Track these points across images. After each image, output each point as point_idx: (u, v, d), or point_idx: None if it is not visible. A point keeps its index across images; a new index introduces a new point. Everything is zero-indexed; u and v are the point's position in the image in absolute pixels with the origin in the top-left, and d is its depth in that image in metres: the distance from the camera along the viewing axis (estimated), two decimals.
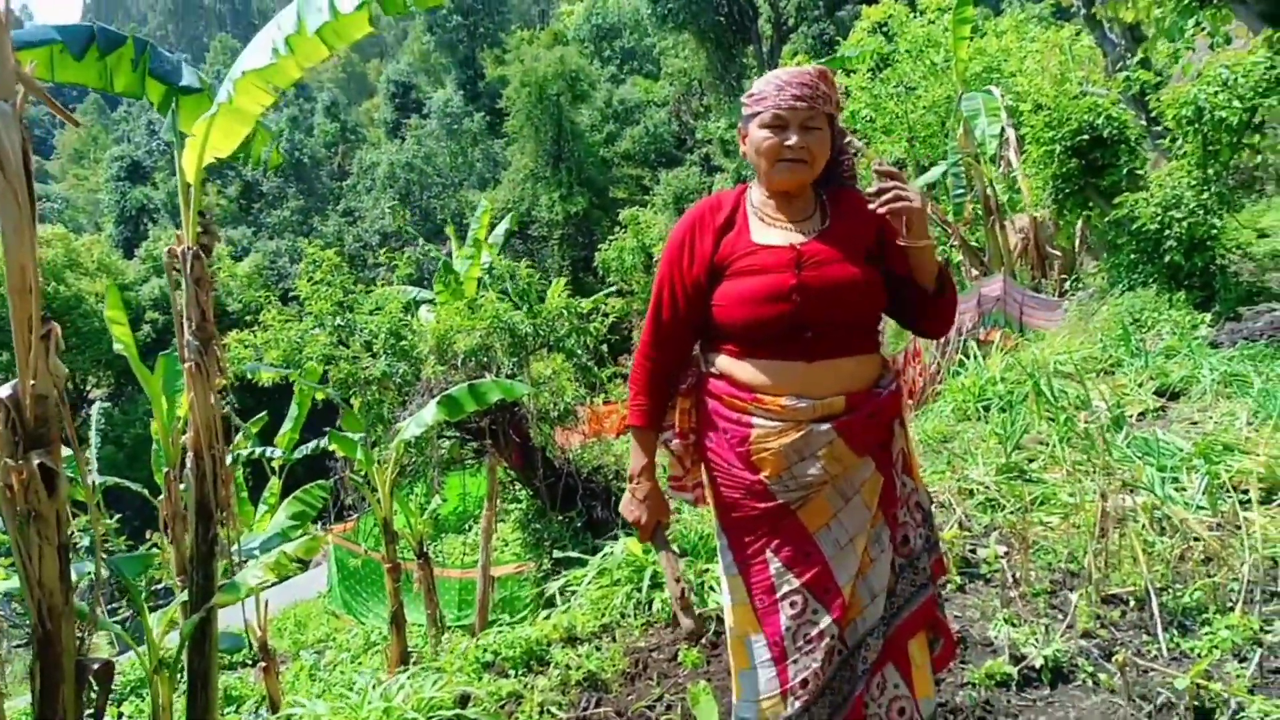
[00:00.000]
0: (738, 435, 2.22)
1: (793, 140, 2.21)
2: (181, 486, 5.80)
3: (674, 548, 2.37)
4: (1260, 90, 8.19)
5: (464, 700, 3.26)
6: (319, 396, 9.37)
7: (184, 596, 4.72)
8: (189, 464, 4.61)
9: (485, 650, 3.68)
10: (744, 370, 2.23)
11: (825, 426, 2.16)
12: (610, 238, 29.28)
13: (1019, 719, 3.19)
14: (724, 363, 2.27)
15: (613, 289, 15.41)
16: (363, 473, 8.16)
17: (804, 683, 2.18)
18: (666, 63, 42.58)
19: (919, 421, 7.35)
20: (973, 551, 4.50)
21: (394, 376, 9.44)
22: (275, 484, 10.23)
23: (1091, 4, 12.96)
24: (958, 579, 4.34)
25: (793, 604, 2.19)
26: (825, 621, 2.19)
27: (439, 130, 44.30)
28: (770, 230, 2.26)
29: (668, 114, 39.94)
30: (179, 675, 4.69)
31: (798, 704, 2.18)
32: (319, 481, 8.30)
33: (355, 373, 9.44)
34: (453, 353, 9.03)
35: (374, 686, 3.22)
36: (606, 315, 10.81)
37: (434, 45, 55.70)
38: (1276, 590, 3.70)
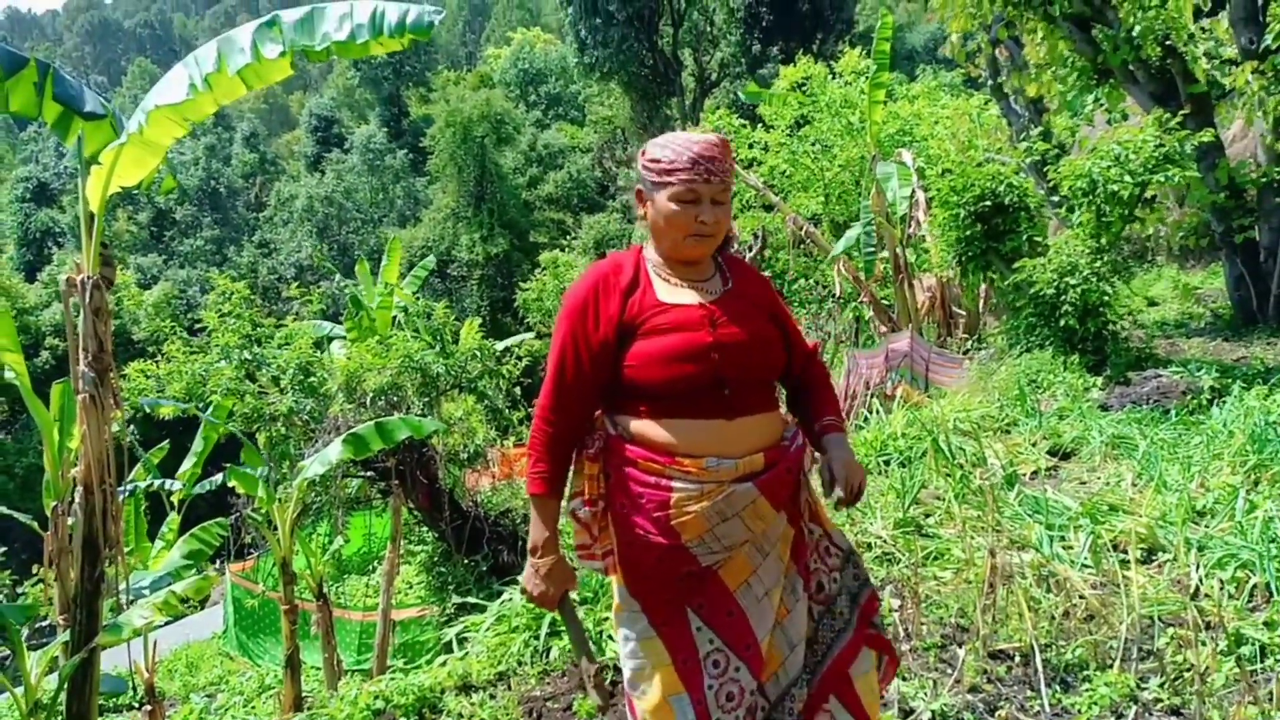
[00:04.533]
0: (655, 500, 2.15)
1: (706, 217, 2.21)
2: (70, 521, 5.60)
3: (579, 615, 2.30)
4: (1149, 167, 8.62)
5: None
6: (222, 431, 9.14)
7: (66, 636, 4.55)
8: (78, 498, 4.47)
9: (376, 697, 3.61)
10: (659, 432, 2.17)
11: (747, 485, 2.15)
12: (530, 279, 29.29)
13: None
14: (637, 425, 2.20)
15: (531, 333, 15.39)
16: (263, 510, 7.96)
17: None
18: (591, 110, 43.05)
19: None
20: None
21: (301, 413, 9.27)
22: (174, 519, 9.91)
23: (998, 76, 13.51)
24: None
25: (715, 663, 2.18)
26: (746, 678, 2.18)
27: (360, 165, 43.97)
28: (677, 290, 2.26)
29: (591, 160, 40.29)
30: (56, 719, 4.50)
31: None
32: (218, 519, 8.08)
33: (261, 408, 9.24)
34: (362, 391, 8.91)
35: None
36: (520, 357, 10.80)
37: (359, 81, 55.49)
38: (1152, 649, 3.84)
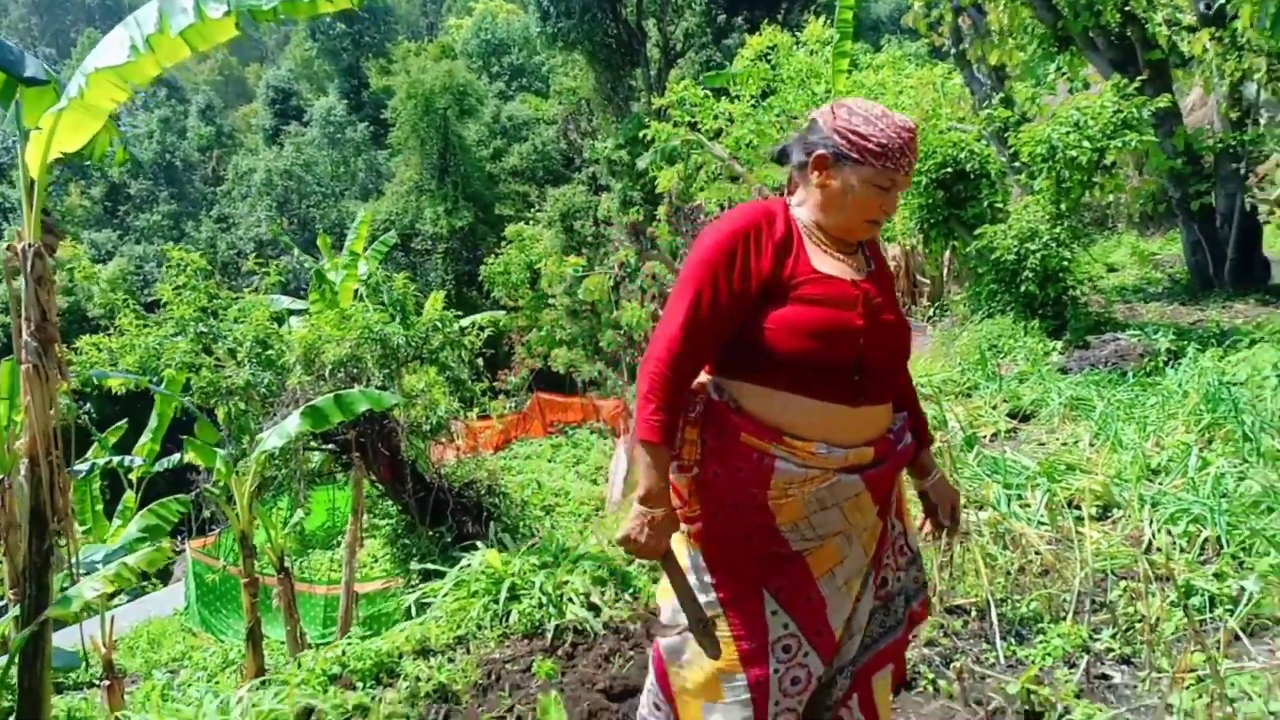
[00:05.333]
0: (754, 477, 2.03)
1: (890, 207, 2.10)
2: (17, 495, 5.50)
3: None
4: (1108, 133, 8.67)
5: (307, 713, 3.16)
6: (178, 405, 9.01)
7: (16, 611, 4.47)
8: (24, 471, 4.38)
9: (332, 663, 3.58)
10: (774, 407, 2.04)
11: (854, 478, 2.06)
12: (495, 253, 29.07)
13: None
14: (751, 395, 2.06)
15: (501, 311, 15.29)
16: (222, 484, 7.87)
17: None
18: (556, 81, 42.65)
19: None
20: None
21: (258, 386, 9.14)
22: (130, 497, 9.77)
23: (961, 44, 13.52)
24: None
25: (786, 648, 2.11)
26: (815, 663, 2.14)
27: (320, 138, 43.35)
28: (827, 260, 2.10)
29: (556, 132, 39.97)
30: (8, 694, 4.43)
31: None
32: (176, 495, 7.98)
33: (217, 381, 9.10)
34: (320, 363, 8.80)
35: (210, 700, 3.09)
36: (482, 329, 10.71)
37: (317, 52, 54.61)
38: (1105, 601, 3.89)
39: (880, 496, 2.15)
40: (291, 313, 11.76)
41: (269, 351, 9.49)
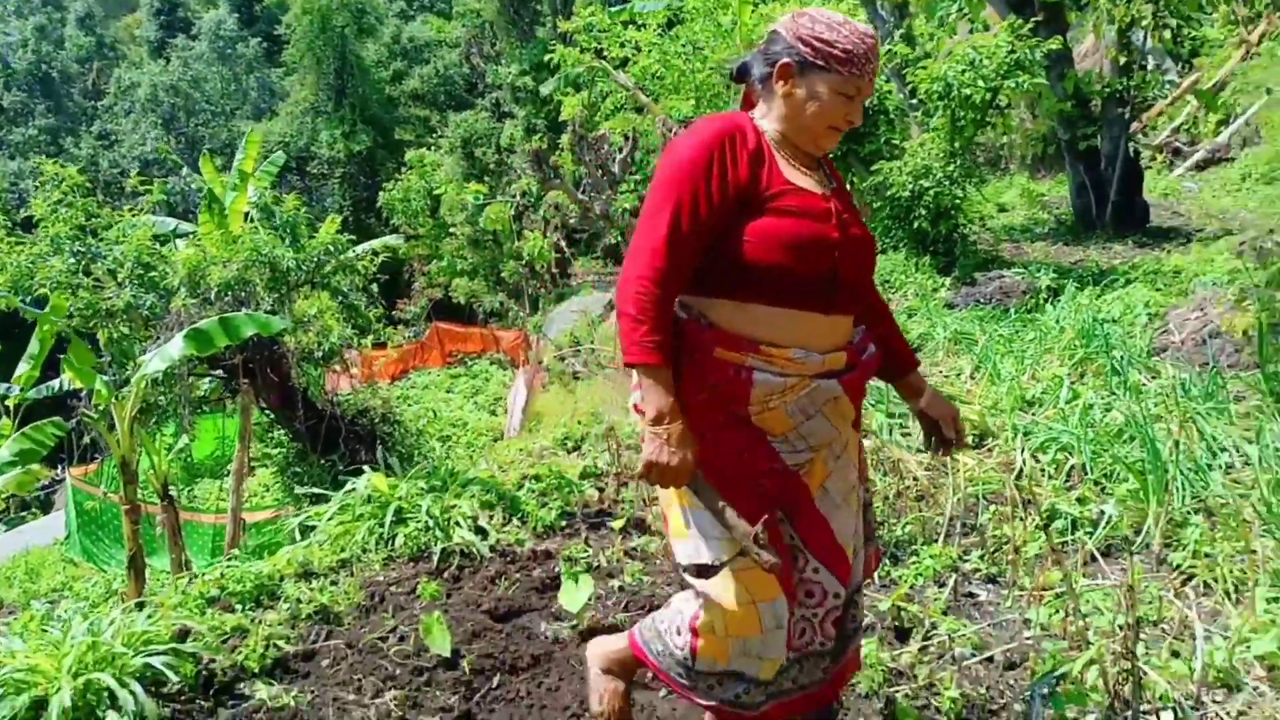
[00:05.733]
0: (735, 393, 2.00)
1: (855, 116, 2.08)
2: None
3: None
4: (1001, 73, 8.83)
5: (182, 635, 3.10)
6: (58, 328, 8.62)
7: None
8: None
9: (211, 585, 3.52)
10: (748, 319, 2.01)
11: (831, 381, 2.05)
12: (395, 179, 28.34)
13: None
14: (721, 311, 2.03)
15: (397, 235, 14.93)
16: (103, 408, 7.58)
17: (801, 633, 2.14)
18: (458, 2, 41.40)
19: None
20: None
21: (141, 309, 8.81)
22: (6, 424, 9.36)
23: None
24: None
25: (793, 557, 2.10)
26: (827, 579, 2.13)
27: (209, 54, 41.28)
28: (797, 174, 2.07)
29: (459, 55, 38.87)
30: None
31: (791, 654, 2.13)
32: (53, 419, 7.66)
33: (97, 303, 8.73)
34: (206, 285, 8.51)
35: (80, 623, 3.01)
36: (377, 254, 10.47)
37: None
38: (975, 524, 4.06)
39: (856, 402, 2.16)
40: (179, 235, 11.31)
41: (152, 273, 9.11)
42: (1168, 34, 10.04)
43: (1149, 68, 10.86)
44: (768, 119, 2.12)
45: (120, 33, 54.11)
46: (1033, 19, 9.37)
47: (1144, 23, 9.80)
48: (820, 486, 2.12)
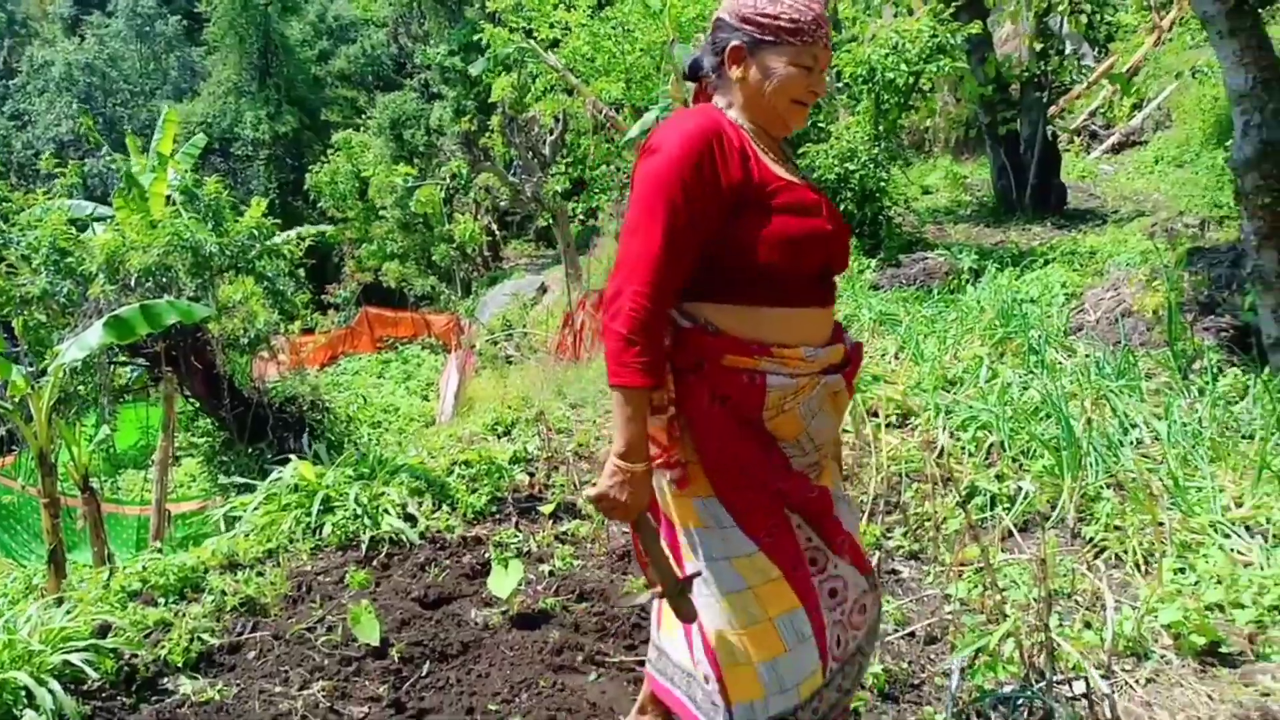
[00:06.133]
0: (749, 399, 1.90)
1: (819, 86, 1.99)
2: None
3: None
4: (923, 56, 8.98)
5: (103, 631, 3.05)
6: None
7: None
8: None
9: (133, 578, 3.46)
10: (756, 322, 1.91)
11: (835, 376, 1.99)
12: (322, 161, 27.84)
13: None
14: (726, 316, 1.93)
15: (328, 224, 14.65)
16: (18, 399, 7.36)
17: (839, 642, 2.05)
18: None
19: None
20: None
21: (57, 296, 8.54)
22: None
23: None
24: None
25: (813, 560, 2.02)
26: (848, 573, 2.07)
27: (127, 31, 39.99)
28: (779, 168, 1.98)
29: (386, 35, 38.25)
30: None
31: (834, 664, 2.03)
32: None
33: (9, 290, 8.45)
34: (126, 271, 8.28)
35: None
36: (302, 238, 10.28)
37: None
38: (898, 502, 4.16)
39: (850, 395, 2.13)
40: (97, 218, 10.98)
41: (69, 259, 8.84)
42: (1083, 19, 10.29)
43: (1066, 53, 11.12)
44: (732, 110, 2.03)
45: (32, 9, 52.17)
46: (954, 4, 9.53)
47: (1060, 8, 10.03)
48: (832, 483, 2.10)
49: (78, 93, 37.25)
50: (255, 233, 9.40)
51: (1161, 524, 3.53)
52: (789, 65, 1.95)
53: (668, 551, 2.00)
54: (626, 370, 1.84)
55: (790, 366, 1.91)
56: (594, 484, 1.94)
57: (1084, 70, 14.75)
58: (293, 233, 10.65)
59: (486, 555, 3.85)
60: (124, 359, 9.66)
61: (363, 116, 31.24)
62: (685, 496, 1.99)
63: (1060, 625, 3.02)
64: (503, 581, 3.37)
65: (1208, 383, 4.95)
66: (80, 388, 8.85)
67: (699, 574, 1.96)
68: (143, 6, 40.74)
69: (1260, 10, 5.43)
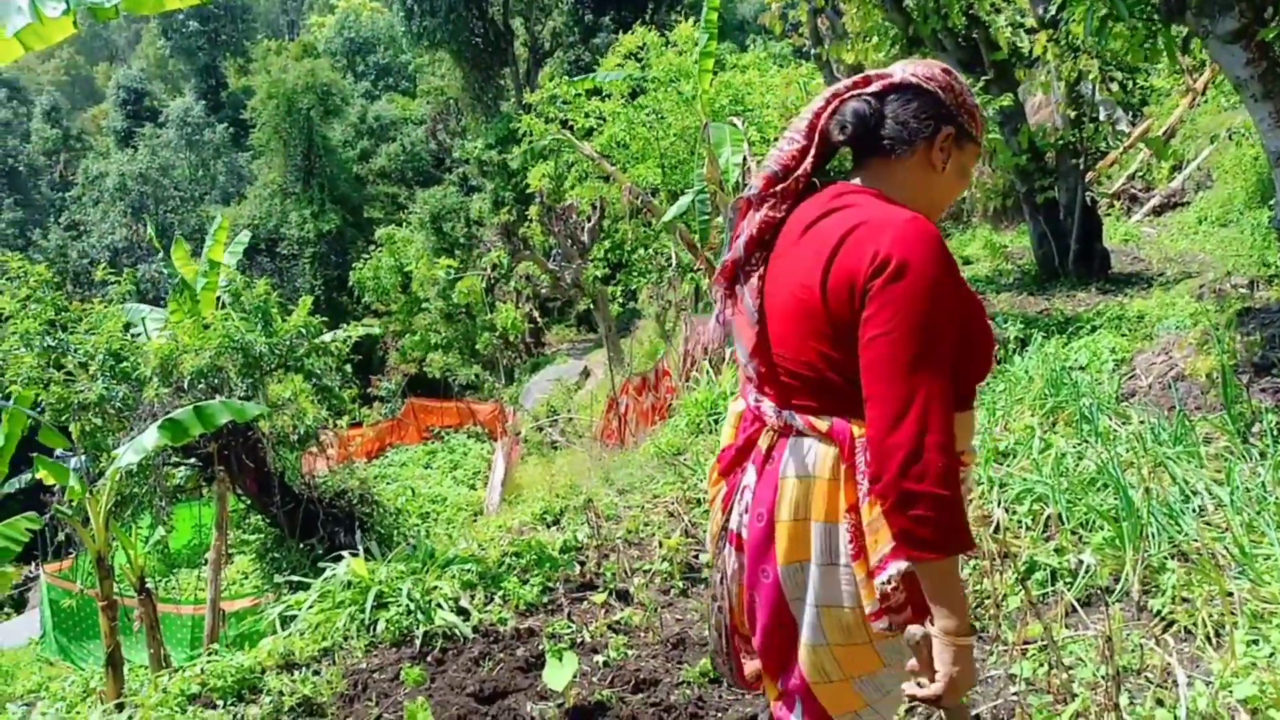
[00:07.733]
0: None
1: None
2: None
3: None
4: None
5: None
6: (25, 425, 8.55)
7: None
8: None
9: (191, 682, 3.47)
10: (957, 431, 1.67)
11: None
12: (365, 257, 28.48)
13: (728, 712, 3.34)
14: None
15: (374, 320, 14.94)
16: (76, 503, 7.49)
17: None
18: (422, 80, 42.02)
19: (656, 436, 7.59)
20: (695, 556, 4.69)
21: (113, 401, 8.75)
22: None
23: (821, 45, 13.88)
24: (681, 584, 4.51)
25: None
26: None
27: (177, 140, 41.55)
28: None
29: (425, 132, 39.37)
30: None
31: None
32: (26, 514, 7.55)
33: (68, 396, 8.67)
34: (179, 374, 8.47)
35: None
36: (350, 336, 10.49)
37: (170, 51, 52.35)
38: None
39: None
40: (151, 322, 11.29)
41: (123, 364, 9.08)
42: (1115, 86, 10.34)
43: (1100, 119, 11.16)
44: (893, 194, 1.77)
45: (87, 124, 54.45)
46: (984, 78, 9.62)
47: (1091, 76, 10.09)
48: None
49: (130, 201, 38.57)
50: (303, 331, 9.60)
51: (1230, 594, 3.42)
52: (970, 166, 1.81)
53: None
54: (959, 534, 1.62)
55: (968, 469, 1.79)
56: (920, 682, 1.66)
57: (1119, 135, 14.79)
58: (341, 331, 10.88)
59: (540, 647, 3.82)
60: (177, 459, 9.82)
61: (404, 212, 32.00)
62: (875, 644, 1.78)
63: (1131, 704, 2.92)
64: (558, 674, 3.33)
65: (1269, 446, 4.83)
66: (136, 489, 9.00)
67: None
68: (192, 116, 42.37)
69: None
